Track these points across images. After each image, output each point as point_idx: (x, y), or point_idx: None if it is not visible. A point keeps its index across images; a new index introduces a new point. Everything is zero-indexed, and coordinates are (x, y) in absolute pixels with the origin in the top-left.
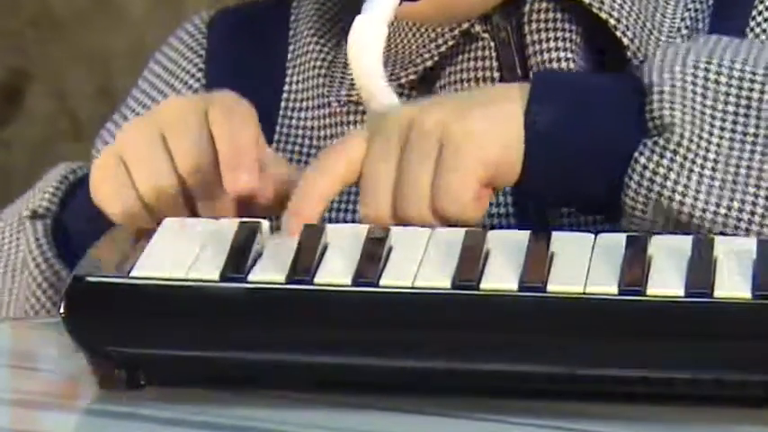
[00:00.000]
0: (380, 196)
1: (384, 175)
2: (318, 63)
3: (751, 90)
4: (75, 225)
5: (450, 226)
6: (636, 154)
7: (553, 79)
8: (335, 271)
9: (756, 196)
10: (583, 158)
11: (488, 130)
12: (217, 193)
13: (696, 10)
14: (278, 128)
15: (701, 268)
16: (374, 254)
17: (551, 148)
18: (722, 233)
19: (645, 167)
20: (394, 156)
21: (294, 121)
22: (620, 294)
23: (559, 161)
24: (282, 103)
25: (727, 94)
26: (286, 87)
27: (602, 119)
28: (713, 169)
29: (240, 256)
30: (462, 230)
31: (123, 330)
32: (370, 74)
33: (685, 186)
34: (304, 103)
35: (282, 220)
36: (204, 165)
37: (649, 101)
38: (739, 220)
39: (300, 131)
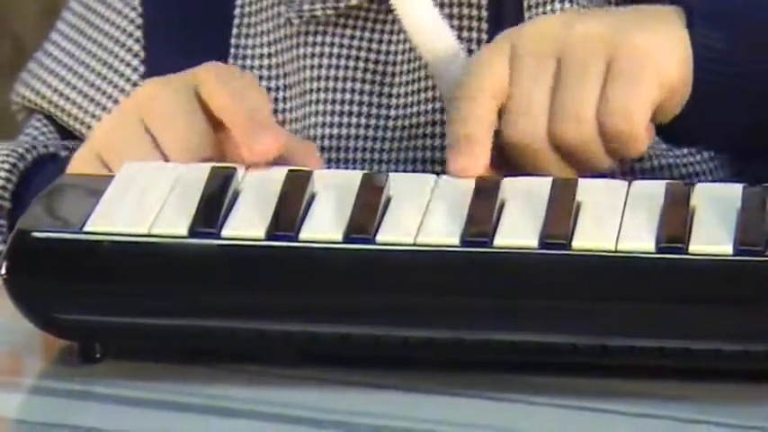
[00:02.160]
0: (537, 117)
1: (539, 93)
2: None
3: None
4: None
5: (612, 152)
6: None
7: (715, 9)
8: (324, 225)
9: None
10: (758, 87)
11: (663, 48)
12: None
13: None
14: (231, 59)
15: (754, 222)
16: (370, 205)
17: (723, 74)
18: None
19: None
20: (550, 72)
21: (249, 50)
22: (657, 252)
23: (731, 89)
24: (234, 30)
25: None
26: (237, 11)
27: None
28: None
29: (212, 207)
30: (471, 178)
31: (75, 295)
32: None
33: None
34: (258, 28)
35: (449, 157)
36: (202, 150)
37: None
38: None
39: (257, 61)
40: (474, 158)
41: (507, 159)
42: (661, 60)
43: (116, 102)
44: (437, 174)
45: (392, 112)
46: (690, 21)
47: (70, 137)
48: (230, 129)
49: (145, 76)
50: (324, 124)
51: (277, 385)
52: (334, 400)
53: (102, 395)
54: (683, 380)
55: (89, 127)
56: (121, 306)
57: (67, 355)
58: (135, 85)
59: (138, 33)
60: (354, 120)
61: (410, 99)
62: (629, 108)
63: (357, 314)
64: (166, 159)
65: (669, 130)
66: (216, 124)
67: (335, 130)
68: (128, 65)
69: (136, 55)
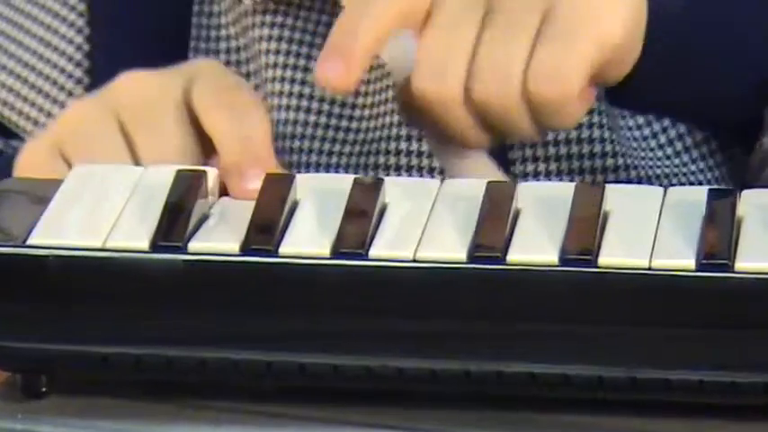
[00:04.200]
0: (451, 68)
1: (460, 41)
2: None
3: None
4: None
5: (539, 120)
6: None
7: None
8: (308, 238)
9: None
10: (721, 50)
11: (606, 3)
12: None
13: None
14: (192, 41)
15: None
16: (362, 214)
17: (681, 34)
18: None
19: None
20: (474, 19)
21: (213, 31)
22: (698, 270)
23: (689, 50)
24: (195, 7)
25: None
26: None
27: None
28: None
29: (178, 216)
30: (482, 182)
31: (17, 319)
32: None
33: None
34: (215, 6)
35: (317, 71)
36: (181, 164)
37: None
38: None
39: (223, 44)
40: (345, 68)
41: (410, 110)
42: (603, 17)
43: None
44: (440, 178)
45: (356, 113)
46: None
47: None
48: (220, 153)
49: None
50: (278, 121)
51: (250, 425)
52: None
53: None
54: (726, 419)
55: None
56: (70, 332)
57: (8, 390)
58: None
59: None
60: (313, 118)
61: (376, 98)
62: (561, 70)
63: (345, 342)
64: (137, 165)
65: (617, 93)
66: (204, 139)
67: (289, 129)
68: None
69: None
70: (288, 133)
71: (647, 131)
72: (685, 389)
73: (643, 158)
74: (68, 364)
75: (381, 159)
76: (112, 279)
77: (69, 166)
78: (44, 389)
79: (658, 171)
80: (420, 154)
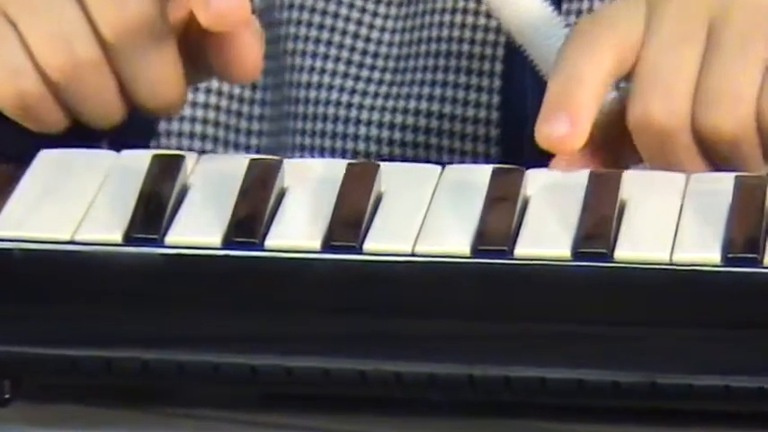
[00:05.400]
0: (679, 90)
1: (685, 63)
2: None
3: None
4: None
5: None
6: None
7: None
8: (297, 230)
9: None
10: None
11: None
12: (156, 47)
13: None
14: None
15: None
16: (356, 203)
17: None
18: None
19: None
20: (699, 39)
21: None
22: (725, 264)
23: None
24: None
25: None
26: None
27: None
28: None
29: (154, 206)
30: (488, 168)
31: None
32: None
33: None
34: None
35: (538, 121)
36: (84, 36)
37: None
38: None
39: None
40: (571, 124)
41: (618, 145)
42: None
43: None
44: (441, 164)
45: (300, 94)
46: None
47: None
48: None
49: None
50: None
51: None
52: None
53: None
54: (755, 429)
55: None
56: (37, 333)
57: None
58: None
59: None
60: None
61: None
62: None
63: (337, 344)
64: (90, 14)
65: None
66: None
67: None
68: None
69: None
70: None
71: None
72: (710, 396)
73: None
74: (34, 368)
75: (328, 143)
76: (83, 275)
77: (17, 30)
78: (8, 395)
79: None
80: None
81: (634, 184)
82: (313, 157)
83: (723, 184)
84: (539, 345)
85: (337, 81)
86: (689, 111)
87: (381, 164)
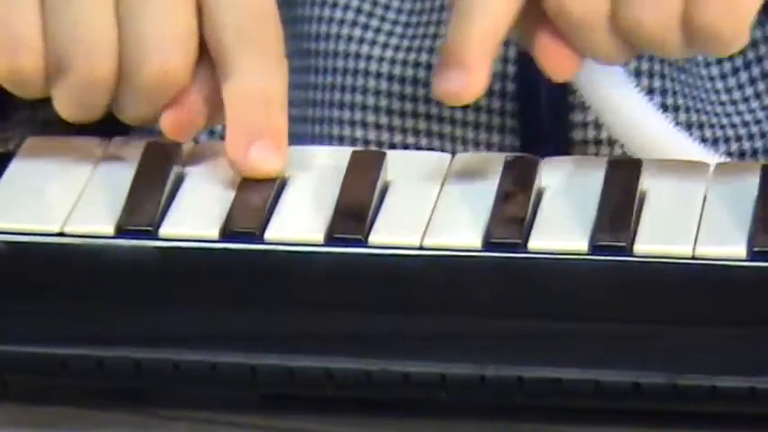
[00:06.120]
0: None
1: None
2: None
3: None
4: None
5: (693, 47)
6: None
7: None
8: (298, 221)
9: None
10: None
11: None
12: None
13: None
14: None
15: None
16: (361, 193)
17: None
18: None
19: None
20: None
21: None
22: (750, 259)
23: None
24: None
25: None
26: None
27: None
28: None
29: (147, 196)
30: (500, 156)
31: None
32: None
33: None
34: None
35: (436, 84)
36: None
37: None
38: None
39: None
40: (470, 72)
41: (539, 31)
42: None
43: None
44: (451, 152)
45: (320, 46)
46: None
47: None
48: (226, 103)
49: None
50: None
51: None
52: None
53: None
54: None
55: None
56: (24, 331)
57: None
58: None
59: None
60: None
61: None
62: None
63: (341, 343)
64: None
65: None
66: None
67: None
68: None
69: None
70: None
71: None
72: (735, 398)
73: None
74: (22, 368)
75: (336, 113)
76: (72, 269)
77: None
78: None
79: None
80: None
81: (655, 173)
82: (329, 115)
83: (749, 173)
84: (554, 344)
85: (356, 32)
86: (606, 7)
87: (388, 152)
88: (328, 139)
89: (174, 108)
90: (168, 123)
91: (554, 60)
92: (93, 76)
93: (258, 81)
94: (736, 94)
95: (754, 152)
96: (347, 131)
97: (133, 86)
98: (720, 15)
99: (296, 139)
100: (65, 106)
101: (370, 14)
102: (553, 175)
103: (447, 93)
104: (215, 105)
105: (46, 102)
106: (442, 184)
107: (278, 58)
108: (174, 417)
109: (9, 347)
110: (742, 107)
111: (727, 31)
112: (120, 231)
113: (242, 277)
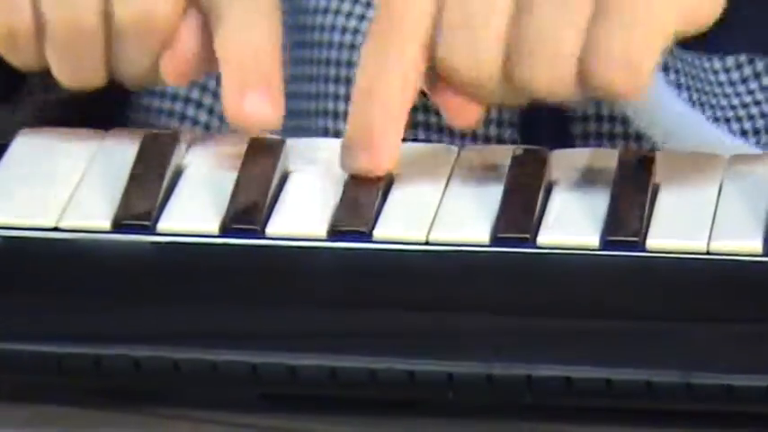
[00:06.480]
0: (486, 42)
1: (494, 14)
2: None
3: None
4: None
5: (592, 96)
6: None
7: None
8: (301, 216)
9: None
10: None
11: None
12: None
13: None
14: None
15: None
16: (365, 187)
17: None
18: None
19: None
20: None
21: None
22: (766, 254)
23: None
24: None
25: None
26: None
27: None
28: None
29: (146, 190)
30: (509, 148)
31: None
32: None
33: None
34: None
35: (343, 163)
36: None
37: None
38: None
39: None
40: (374, 153)
41: (438, 86)
42: None
43: None
44: (458, 145)
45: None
46: None
47: None
48: (219, 57)
49: None
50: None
51: None
52: None
53: None
54: None
55: None
56: (19, 328)
57: None
58: None
59: None
60: None
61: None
62: (635, 53)
63: (345, 341)
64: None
65: (695, 39)
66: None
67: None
68: None
69: None
70: None
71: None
72: (750, 397)
73: (733, 107)
74: (16, 367)
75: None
76: (68, 265)
77: None
78: None
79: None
80: None
81: (668, 166)
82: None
83: (765, 165)
84: (563, 341)
85: (357, 9)
86: (498, 62)
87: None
88: (323, 115)
89: (172, 52)
90: (167, 67)
91: (454, 111)
92: (78, 25)
93: (247, 32)
94: (735, 75)
95: (756, 131)
96: (341, 107)
97: (121, 35)
98: (620, 75)
99: (292, 115)
100: (59, 68)
101: None
102: (563, 169)
103: (357, 171)
104: (212, 52)
105: (58, 84)
106: (449, 178)
107: (269, 9)
108: (174, 416)
109: (3, 345)
110: (741, 88)
111: (627, 88)
112: (117, 226)
113: (243, 273)
